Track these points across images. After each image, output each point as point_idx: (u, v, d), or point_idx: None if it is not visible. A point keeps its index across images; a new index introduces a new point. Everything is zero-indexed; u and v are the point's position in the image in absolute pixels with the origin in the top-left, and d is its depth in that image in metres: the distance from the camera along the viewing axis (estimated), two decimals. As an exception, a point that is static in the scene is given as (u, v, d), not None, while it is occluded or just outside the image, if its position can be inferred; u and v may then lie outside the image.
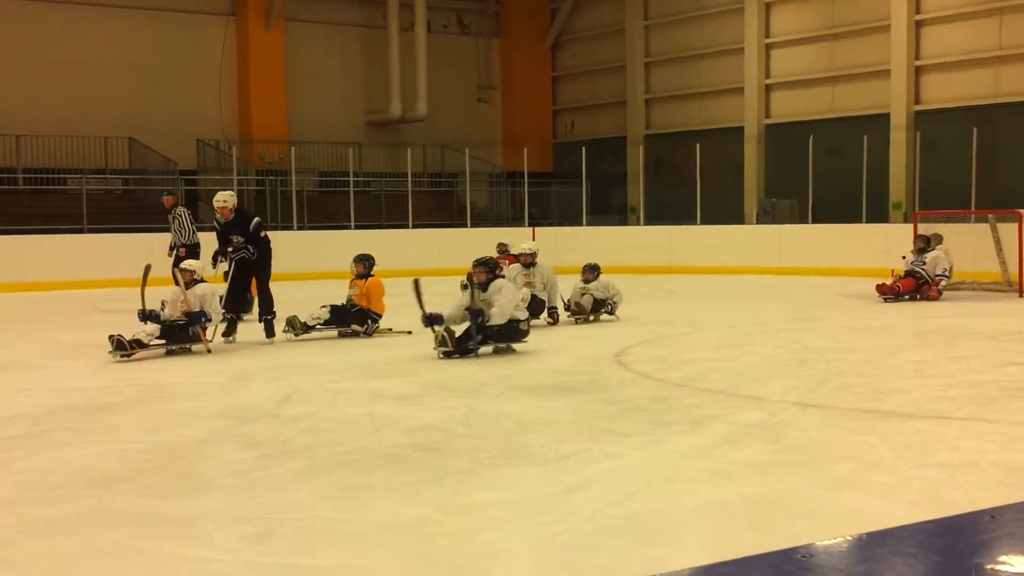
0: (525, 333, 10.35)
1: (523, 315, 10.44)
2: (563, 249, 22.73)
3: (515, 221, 26.39)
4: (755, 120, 26.38)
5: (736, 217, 25.29)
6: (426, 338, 10.34)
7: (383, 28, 28.54)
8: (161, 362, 9.98)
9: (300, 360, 10.02)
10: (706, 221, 23.27)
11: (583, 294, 13.17)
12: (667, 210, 25.75)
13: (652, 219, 25.52)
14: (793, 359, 9.62)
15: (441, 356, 9.80)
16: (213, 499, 5.16)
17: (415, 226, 23.73)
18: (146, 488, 5.38)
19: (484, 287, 10.24)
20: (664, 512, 4.80)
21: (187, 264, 10.85)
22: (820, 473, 5.45)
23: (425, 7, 28.60)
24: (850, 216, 21.66)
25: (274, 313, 11.50)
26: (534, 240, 17.40)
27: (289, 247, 21.31)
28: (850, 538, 3.94)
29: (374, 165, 27.52)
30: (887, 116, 23.51)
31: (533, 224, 24.11)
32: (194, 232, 15.12)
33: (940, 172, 21.85)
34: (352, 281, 11.89)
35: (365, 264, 11.81)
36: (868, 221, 21.53)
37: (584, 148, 25.12)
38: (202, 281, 10.70)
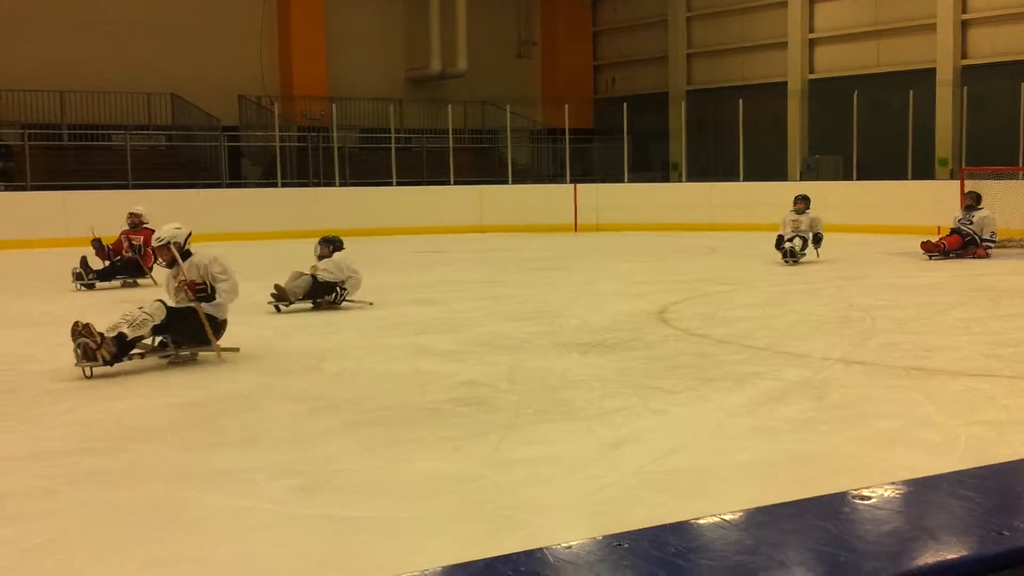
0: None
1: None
2: (604, 206, 22.69)
3: (556, 178, 26.29)
4: (798, 75, 26.05)
5: (779, 174, 25.02)
6: (470, 299, 10.30)
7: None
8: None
9: (340, 317, 10.07)
10: (749, 178, 23.04)
11: (793, 236, 13.91)
12: (709, 167, 25.55)
13: (694, 176, 25.32)
14: (837, 317, 9.54)
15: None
16: (262, 452, 5.21)
17: (456, 183, 23.69)
18: (196, 441, 5.44)
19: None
20: (708, 468, 4.80)
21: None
22: (865, 429, 5.42)
23: (466, -38, 28.43)
24: (895, 173, 21.36)
25: None
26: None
27: (330, 203, 21.45)
28: (901, 484, 3.89)
29: (414, 122, 27.47)
30: (933, 71, 23.12)
31: (575, 181, 23.99)
32: None
33: (987, 128, 21.48)
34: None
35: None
36: (913, 178, 21.23)
37: (625, 104, 24.92)
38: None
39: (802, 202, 14.73)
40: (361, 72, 27.70)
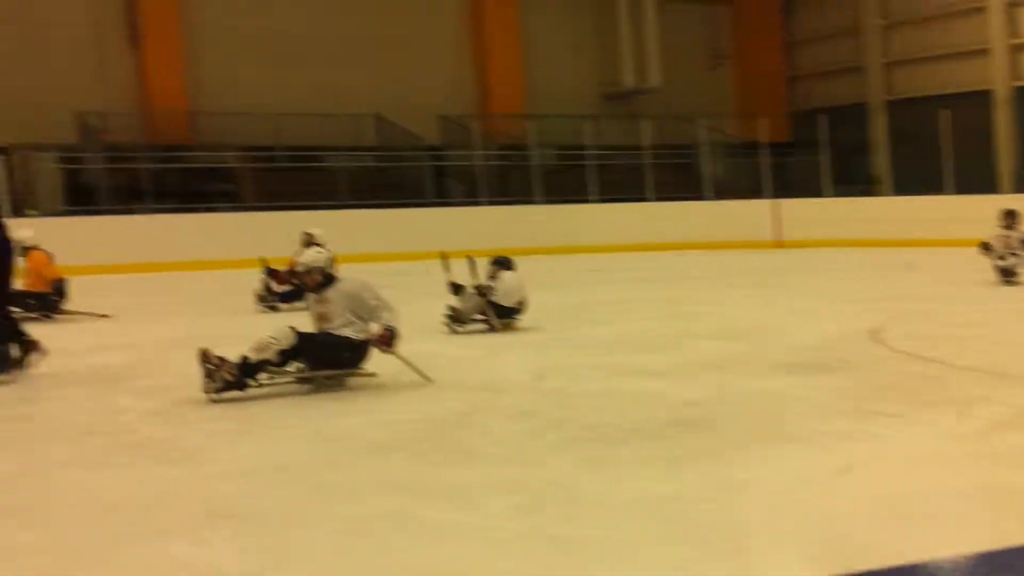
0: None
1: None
2: (804, 222, 22.26)
3: (755, 193, 25.94)
4: (1004, 82, 24.89)
5: (988, 187, 23.95)
6: (672, 317, 10.33)
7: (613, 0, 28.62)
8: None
9: (549, 335, 10.22)
10: (956, 191, 22.16)
11: (1006, 254, 13.55)
12: (912, 180, 24.69)
13: (898, 189, 24.53)
14: (1068, 339, 9.11)
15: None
16: (483, 468, 5.35)
17: (655, 199, 23.69)
18: (418, 456, 5.62)
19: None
20: (939, 499, 4.66)
21: None
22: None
23: (656, -22, 28.49)
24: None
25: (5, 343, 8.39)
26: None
27: (531, 221, 21.82)
28: None
29: (610, 138, 27.61)
30: None
31: (774, 196, 23.63)
32: None
33: None
34: None
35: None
36: None
37: (822, 116, 24.37)
38: None
39: (1010, 217, 14.09)
40: (555, 89, 28.07)
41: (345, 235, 20.45)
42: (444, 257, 10.38)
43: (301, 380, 7.43)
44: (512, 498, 4.78)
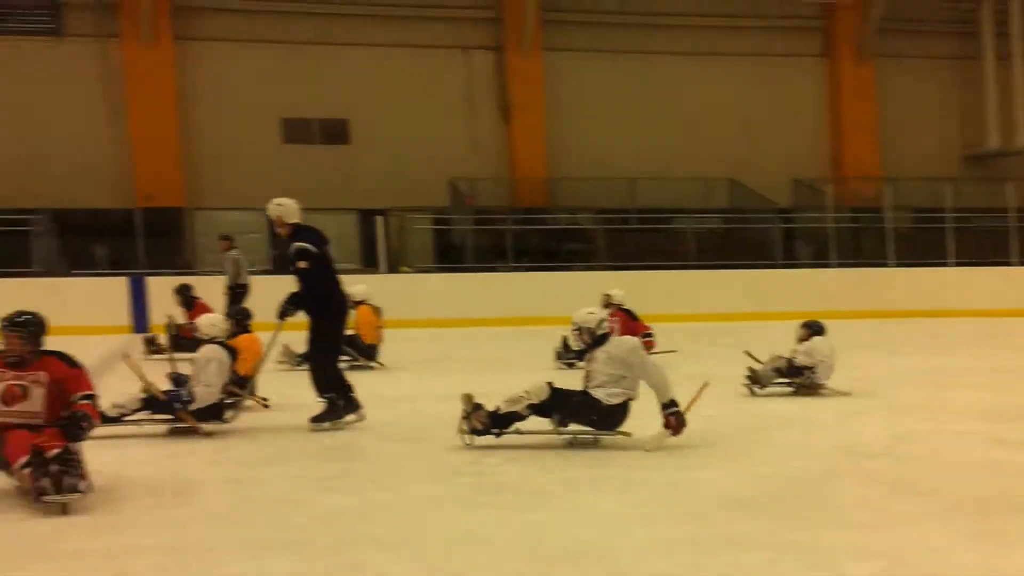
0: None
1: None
2: None
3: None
4: None
5: None
6: None
7: (977, 59, 27.48)
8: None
9: (898, 400, 9.99)
10: None
11: None
12: None
13: None
14: None
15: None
16: (842, 531, 5.31)
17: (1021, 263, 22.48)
18: (775, 516, 5.66)
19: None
20: None
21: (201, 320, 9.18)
22: None
23: (1023, 36, 27.06)
24: None
25: (334, 392, 8.78)
26: None
27: (883, 284, 21.28)
28: None
29: (970, 200, 26.43)
30: None
31: None
32: (238, 275, 16.72)
33: None
34: None
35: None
36: None
37: None
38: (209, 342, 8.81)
39: None
40: (914, 150, 27.24)
41: (690, 294, 21.02)
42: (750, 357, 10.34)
43: (556, 433, 7.62)
44: (873, 563, 4.75)
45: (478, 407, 7.56)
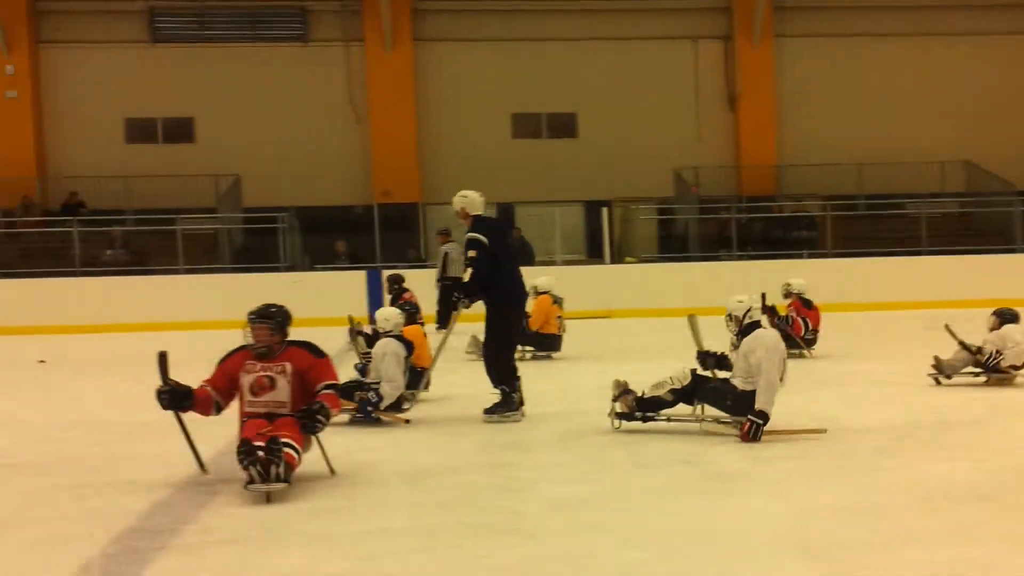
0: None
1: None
2: None
3: None
4: None
5: None
6: None
7: None
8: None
9: None
10: None
11: None
12: None
13: None
14: None
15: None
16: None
17: None
18: (1009, 508, 5.62)
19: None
20: None
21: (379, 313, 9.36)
22: None
23: None
24: None
25: (509, 384, 8.75)
26: None
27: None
28: None
29: None
30: None
31: None
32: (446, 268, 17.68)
33: None
34: None
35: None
36: None
37: None
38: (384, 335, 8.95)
39: None
40: None
41: (925, 281, 20.42)
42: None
43: (696, 420, 7.85)
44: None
45: (627, 391, 7.84)
